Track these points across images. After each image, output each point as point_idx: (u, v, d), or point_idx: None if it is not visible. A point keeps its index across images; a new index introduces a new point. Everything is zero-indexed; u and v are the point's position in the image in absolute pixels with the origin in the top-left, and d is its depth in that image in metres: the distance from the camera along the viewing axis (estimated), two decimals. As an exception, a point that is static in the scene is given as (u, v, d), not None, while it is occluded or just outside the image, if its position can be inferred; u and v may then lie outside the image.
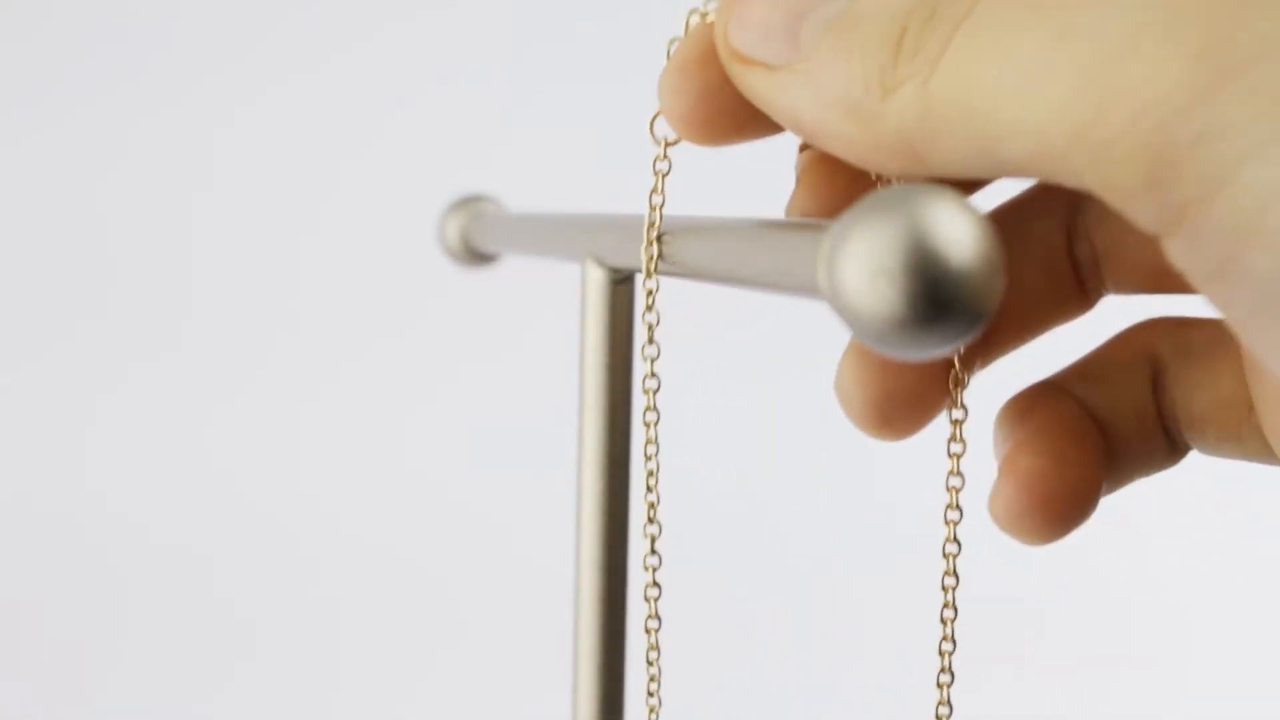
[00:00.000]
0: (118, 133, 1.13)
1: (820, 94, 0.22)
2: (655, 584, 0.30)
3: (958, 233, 0.17)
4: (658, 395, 0.29)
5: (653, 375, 0.29)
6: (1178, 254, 0.19)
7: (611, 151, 1.12)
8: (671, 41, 0.26)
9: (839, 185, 0.27)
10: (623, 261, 0.31)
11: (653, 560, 0.30)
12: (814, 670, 0.92)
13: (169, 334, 1.13)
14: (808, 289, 0.20)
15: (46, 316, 1.13)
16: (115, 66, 1.13)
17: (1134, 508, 0.40)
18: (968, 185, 0.27)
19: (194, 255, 1.14)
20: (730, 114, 0.25)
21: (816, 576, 0.99)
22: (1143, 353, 0.28)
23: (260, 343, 1.12)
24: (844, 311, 0.18)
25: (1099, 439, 0.27)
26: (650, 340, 0.29)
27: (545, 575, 0.69)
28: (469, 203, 0.49)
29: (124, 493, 1.06)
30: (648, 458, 0.29)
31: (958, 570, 0.27)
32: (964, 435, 0.26)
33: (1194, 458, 0.28)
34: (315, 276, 1.13)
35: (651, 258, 0.28)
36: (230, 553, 1.03)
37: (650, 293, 0.28)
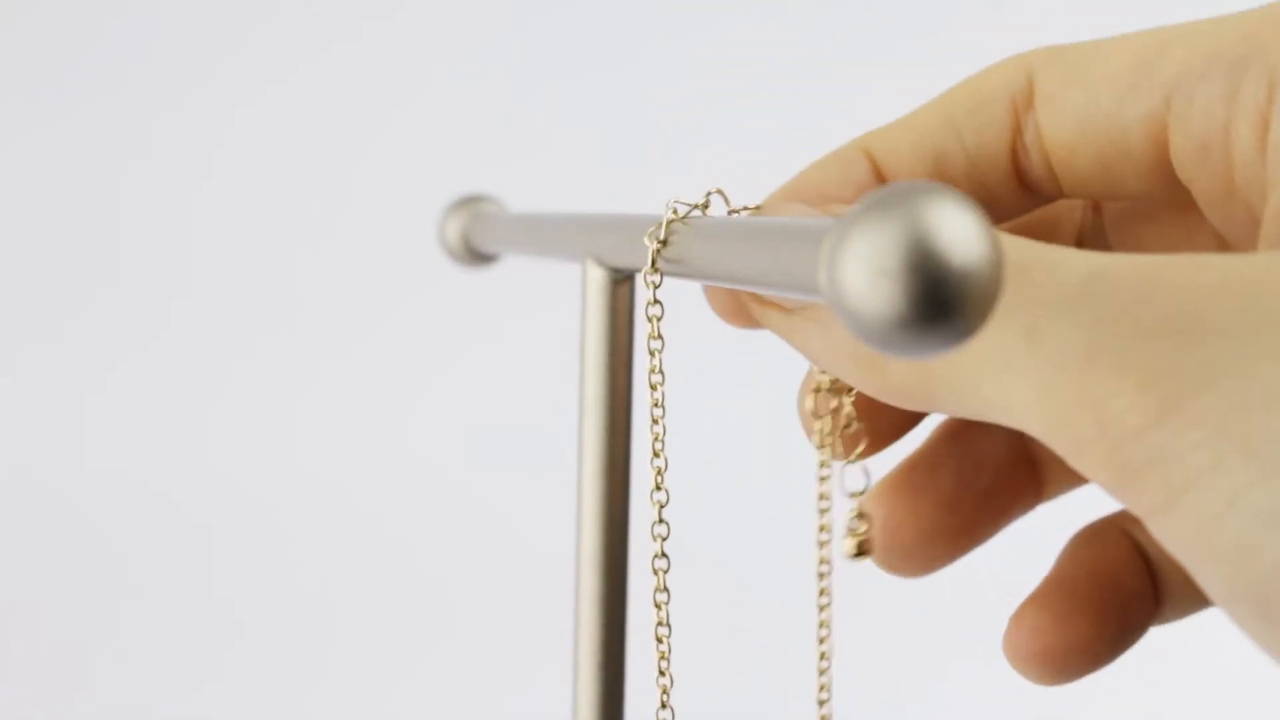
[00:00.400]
0: (121, 130, 1.13)
1: (830, 342, 0.24)
2: (664, 589, 0.29)
3: (959, 231, 0.17)
4: (663, 389, 0.29)
5: (658, 371, 0.29)
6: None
7: (611, 151, 1.12)
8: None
9: None
10: (623, 261, 0.31)
11: (661, 564, 0.29)
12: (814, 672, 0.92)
13: (169, 332, 1.12)
14: (809, 289, 0.20)
15: (46, 310, 1.13)
16: (116, 64, 1.13)
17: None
18: None
19: (195, 254, 1.14)
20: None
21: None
22: None
23: (259, 343, 1.12)
24: (845, 312, 0.18)
25: (1141, 584, 0.29)
26: (656, 335, 0.29)
27: (546, 576, 0.69)
28: (469, 203, 0.48)
29: (123, 486, 1.06)
30: (655, 454, 0.29)
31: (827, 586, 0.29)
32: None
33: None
34: (315, 276, 1.13)
35: (657, 251, 0.28)
36: (230, 548, 1.03)
37: (654, 286, 0.28)
